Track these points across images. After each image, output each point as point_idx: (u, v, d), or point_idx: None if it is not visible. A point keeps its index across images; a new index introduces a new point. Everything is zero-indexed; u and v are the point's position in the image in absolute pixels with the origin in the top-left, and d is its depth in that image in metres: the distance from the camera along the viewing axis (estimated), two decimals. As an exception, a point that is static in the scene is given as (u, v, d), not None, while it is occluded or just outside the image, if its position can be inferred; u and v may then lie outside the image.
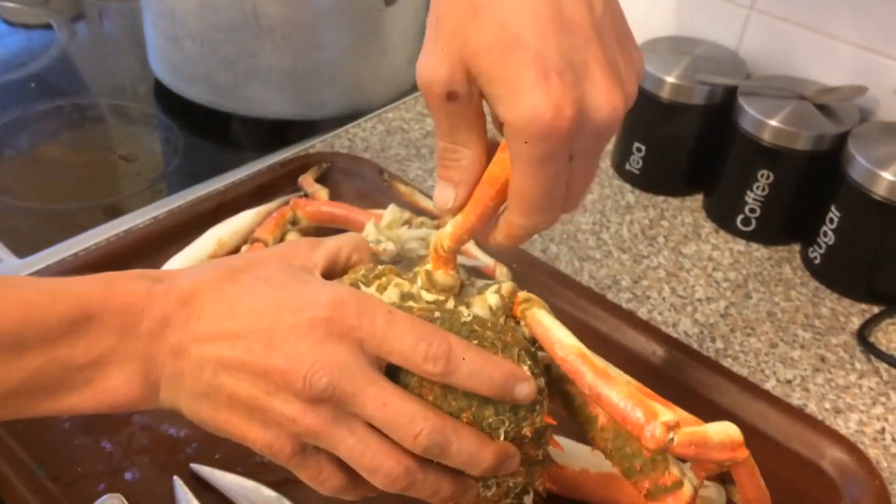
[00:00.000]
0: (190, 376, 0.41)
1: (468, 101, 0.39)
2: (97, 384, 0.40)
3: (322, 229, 0.72)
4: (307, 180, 0.78)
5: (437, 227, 0.67)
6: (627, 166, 0.86)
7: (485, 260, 0.67)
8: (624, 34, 0.40)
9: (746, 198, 0.79)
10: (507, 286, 0.47)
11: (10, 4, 1.12)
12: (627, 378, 0.45)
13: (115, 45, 1.12)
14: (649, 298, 0.73)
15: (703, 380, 0.63)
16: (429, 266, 0.45)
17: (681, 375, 0.64)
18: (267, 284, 0.42)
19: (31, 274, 0.68)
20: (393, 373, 0.41)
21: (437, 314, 0.43)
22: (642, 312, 0.72)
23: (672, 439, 0.41)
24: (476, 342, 0.42)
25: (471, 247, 0.66)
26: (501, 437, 0.41)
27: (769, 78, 0.81)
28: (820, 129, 0.74)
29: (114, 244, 0.72)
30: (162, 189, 0.83)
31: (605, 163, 0.90)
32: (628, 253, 0.78)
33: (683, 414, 0.44)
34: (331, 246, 0.46)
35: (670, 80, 0.80)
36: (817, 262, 0.77)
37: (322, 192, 0.75)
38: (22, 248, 0.73)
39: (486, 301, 0.46)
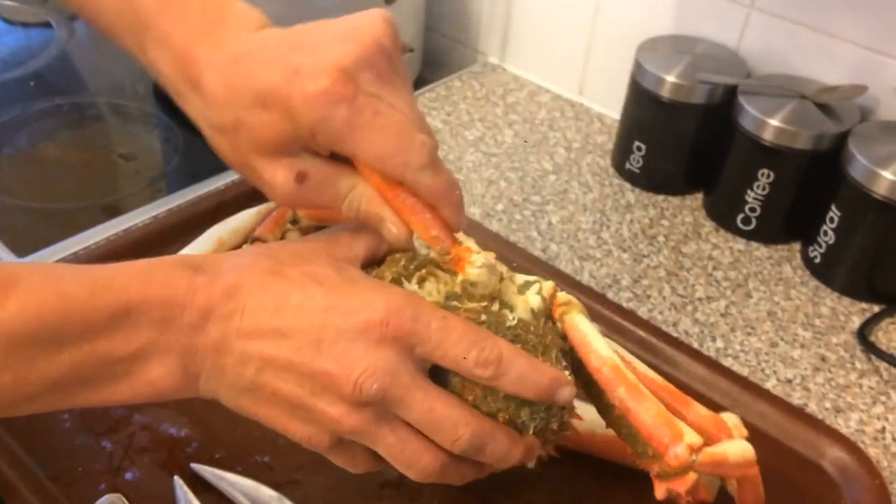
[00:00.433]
0: (232, 372, 0.41)
1: (320, 166, 0.44)
2: (136, 376, 0.40)
3: (322, 229, 0.72)
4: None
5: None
6: (627, 165, 0.86)
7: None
8: None
9: (747, 197, 0.79)
10: (547, 286, 0.48)
11: (9, 3, 1.12)
12: (660, 380, 0.47)
13: (115, 43, 1.12)
14: (649, 297, 0.73)
15: (704, 379, 0.63)
16: (460, 276, 0.46)
17: (681, 375, 0.64)
18: (315, 281, 0.41)
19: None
20: (436, 369, 0.42)
21: (483, 317, 0.44)
22: (642, 311, 0.72)
23: (694, 460, 0.44)
24: (520, 345, 0.43)
25: (472, 247, 0.66)
26: (531, 432, 0.44)
27: (769, 77, 0.81)
28: (820, 128, 0.74)
29: (113, 243, 0.72)
30: (161, 188, 0.83)
31: (605, 161, 0.90)
32: (628, 252, 0.78)
33: (702, 411, 0.47)
34: (372, 234, 0.46)
35: (670, 79, 0.80)
36: (818, 261, 0.77)
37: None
38: (21, 248, 0.73)
39: (528, 303, 0.47)
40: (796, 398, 0.65)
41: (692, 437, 0.44)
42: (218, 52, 0.43)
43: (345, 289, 0.41)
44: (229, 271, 0.41)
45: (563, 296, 0.49)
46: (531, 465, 0.48)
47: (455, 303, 0.45)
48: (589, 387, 0.48)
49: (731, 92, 0.79)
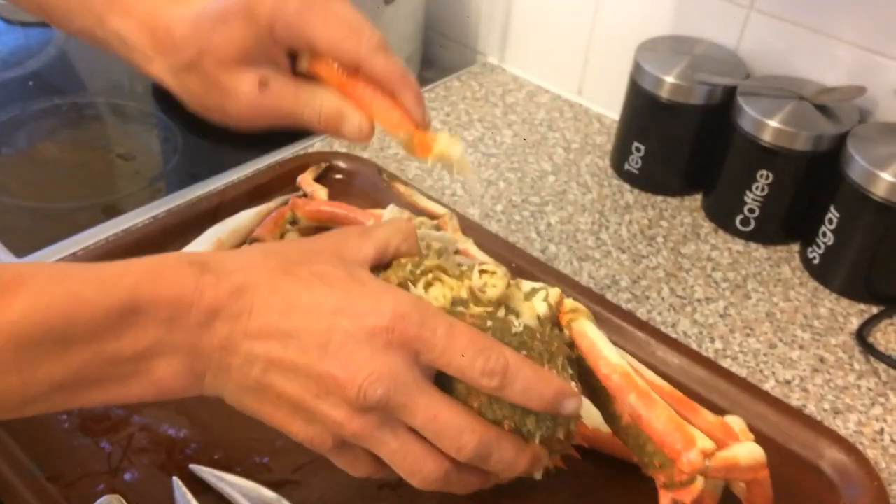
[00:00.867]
0: (237, 371, 0.41)
1: (275, 78, 0.48)
2: (143, 376, 0.40)
3: (321, 229, 0.72)
4: (306, 179, 0.78)
5: (437, 228, 0.67)
6: (626, 166, 0.86)
7: (482, 258, 0.67)
8: None
9: (745, 198, 0.79)
10: (553, 293, 0.48)
11: (8, 2, 1.12)
12: (667, 387, 0.48)
13: (114, 43, 1.12)
14: (648, 298, 0.73)
15: (702, 380, 0.63)
16: (474, 280, 0.46)
17: (680, 376, 0.64)
18: (324, 282, 0.41)
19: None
20: (441, 377, 0.42)
21: (489, 323, 0.44)
22: (641, 313, 0.72)
23: (707, 465, 0.44)
24: (525, 353, 0.43)
25: (471, 247, 0.66)
26: (536, 441, 0.43)
27: (768, 78, 0.81)
28: (819, 129, 0.74)
29: (112, 243, 0.72)
30: (161, 188, 0.83)
31: (604, 162, 0.90)
32: (627, 253, 0.78)
33: (710, 417, 0.47)
34: (381, 237, 0.46)
35: (669, 79, 0.80)
36: (816, 262, 0.77)
37: (321, 192, 0.75)
38: (20, 248, 0.72)
39: (535, 310, 0.47)
40: (795, 399, 0.65)
41: (705, 443, 0.44)
42: (185, 8, 0.48)
43: (353, 291, 0.41)
44: (237, 270, 0.41)
45: (570, 303, 0.48)
46: (538, 476, 0.48)
47: (461, 308, 0.45)
48: (597, 395, 0.48)
49: (730, 93, 0.79)
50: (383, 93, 0.48)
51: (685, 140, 0.83)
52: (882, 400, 0.66)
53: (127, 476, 0.54)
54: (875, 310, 0.74)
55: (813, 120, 0.75)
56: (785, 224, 0.80)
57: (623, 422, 0.47)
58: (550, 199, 0.84)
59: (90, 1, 0.50)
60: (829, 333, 0.72)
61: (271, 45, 0.48)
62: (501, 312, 0.46)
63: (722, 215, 0.82)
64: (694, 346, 0.68)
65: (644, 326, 0.67)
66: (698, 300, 0.74)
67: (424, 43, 1.08)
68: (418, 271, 0.45)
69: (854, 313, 0.74)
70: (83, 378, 0.39)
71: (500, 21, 1.03)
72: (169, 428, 0.57)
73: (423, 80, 1.05)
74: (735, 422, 0.51)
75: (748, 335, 0.71)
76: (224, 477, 0.53)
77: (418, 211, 0.72)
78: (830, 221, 0.74)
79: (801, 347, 0.70)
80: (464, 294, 0.45)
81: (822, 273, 0.77)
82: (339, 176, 0.81)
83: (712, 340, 0.70)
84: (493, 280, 0.45)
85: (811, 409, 0.65)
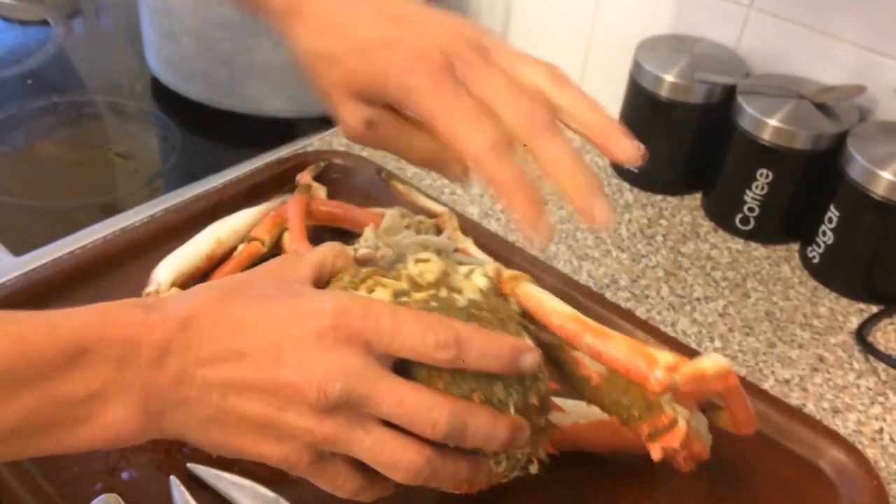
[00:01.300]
0: (197, 402, 0.40)
1: (384, 115, 0.49)
2: (96, 419, 0.39)
3: (319, 228, 0.72)
4: (305, 178, 0.77)
5: (437, 226, 0.67)
6: (626, 165, 0.86)
7: (482, 258, 0.67)
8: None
9: (745, 197, 0.79)
10: (490, 266, 0.49)
11: (7, 1, 1.12)
12: (619, 334, 0.48)
13: (112, 41, 1.12)
14: (648, 297, 0.73)
15: (702, 379, 0.63)
16: (410, 267, 0.47)
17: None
18: (265, 300, 0.42)
19: (28, 272, 0.68)
20: (400, 368, 0.42)
21: (433, 304, 0.44)
22: (641, 311, 0.71)
23: (675, 380, 0.44)
24: (475, 324, 0.43)
25: (470, 246, 0.66)
26: (512, 411, 0.43)
27: (768, 77, 0.81)
28: (819, 128, 0.74)
29: (110, 242, 0.71)
30: (159, 187, 0.82)
31: (604, 161, 0.90)
32: (627, 252, 0.78)
33: (665, 351, 0.47)
34: (315, 257, 0.46)
35: (669, 78, 0.80)
36: (816, 261, 0.77)
37: (320, 191, 0.75)
38: (18, 246, 0.72)
39: (476, 284, 0.47)
40: (794, 398, 0.65)
41: (667, 358, 0.45)
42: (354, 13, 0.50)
43: (294, 301, 0.41)
44: (182, 306, 0.41)
45: (508, 272, 0.49)
46: (533, 469, 0.48)
47: (404, 298, 0.45)
48: (562, 367, 0.49)
49: (729, 92, 0.79)
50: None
51: (685, 139, 0.83)
52: (881, 399, 0.66)
53: (124, 475, 0.54)
54: (875, 309, 0.74)
55: (813, 119, 0.75)
56: (784, 223, 0.80)
57: (593, 382, 0.48)
58: (550, 197, 0.83)
59: None
60: (829, 333, 0.72)
61: (393, 102, 0.49)
62: (444, 292, 0.46)
63: (721, 214, 0.82)
64: (693, 346, 0.68)
65: (643, 325, 0.67)
66: (697, 299, 0.74)
67: (424, 42, 1.07)
68: (357, 279, 0.46)
69: (853, 312, 0.74)
70: (34, 423, 0.38)
71: (500, 20, 1.03)
72: (167, 427, 0.57)
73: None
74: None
75: (747, 334, 0.71)
76: (222, 476, 0.53)
77: (417, 209, 0.72)
78: (830, 220, 0.74)
79: (800, 346, 0.70)
80: (404, 285, 0.46)
81: (821, 272, 0.77)
82: (338, 175, 0.81)
83: (712, 339, 0.70)
84: (429, 266, 0.46)
85: (810, 408, 0.65)
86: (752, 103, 0.76)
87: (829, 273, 0.76)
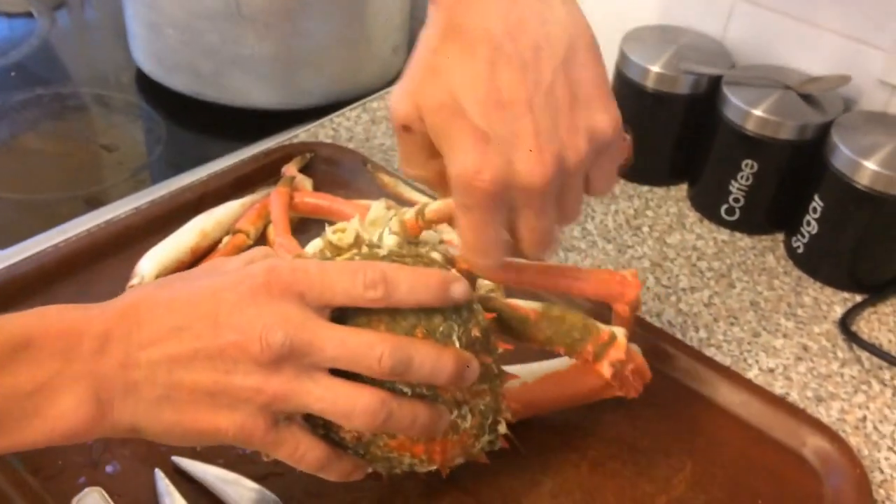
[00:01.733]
0: (145, 383, 0.41)
1: (421, 136, 0.44)
2: (46, 411, 0.40)
3: (305, 220, 0.72)
4: (291, 170, 0.77)
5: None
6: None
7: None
8: (581, 95, 0.44)
9: (731, 187, 0.79)
10: (397, 218, 0.51)
11: (-10, -8, 1.11)
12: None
13: (97, 33, 1.11)
14: (633, 288, 0.73)
15: (687, 369, 0.64)
16: (329, 235, 0.49)
17: (664, 365, 0.64)
18: (198, 281, 0.43)
19: (12, 265, 0.67)
20: (339, 321, 0.43)
21: (356, 258, 0.47)
22: (626, 302, 0.72)
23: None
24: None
25: (455, 238, 0.66)
26: (456, 345, 0.44)
27: (753, 67, 0.81)
28: (804, 118, 0.74)
29: (95, 235, 0.71)
30: (144, 179, 0.82)
31: (591, 152, 0.89)
32: (613, 243, 0.78)
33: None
34: (245, 254, 0.47)
35: (655, 69, 0.80)
36: (800, 251, 0.77)
37: (305, 183, 0.75)
38: (2, 239, 0.72)
39: (393, 238, 0.50)
40: (778, 387, 0.66)
41: (628, 272, 0.55)
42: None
43: (224, 275, 0.43)
44: (120, 299, 0.43)
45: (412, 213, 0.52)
46: (503, 429, 0.49)
47: (328, 257, 0.48)
48: (500, 313, 0.50)
49: (715, 82, 0.79)
50: None
51: (671, 130, 0.83)
52: (865, 388, 0.66)
53: (108, 468, 0.54)
54: (858, 298, 0.74)
55: (797, 109, 0.75)
56: (769, 213, 0.80)
57: (532, 319, 0.50)
58: (536, 189, 0.84)
59: None
60: (813, 322, 0.72)
61: None
62: (364, 249, 0.48)
63: (707, 205, 0.82)
64: (678, 335, 0.68)
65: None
66: (683, 289, 0.74)
67: (412, 33, 1.07)
68: None
69: (837, 302, 0.74)
70: None
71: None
72: (151, 420, 0.57)
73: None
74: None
75: (732, 324, 0.71)
76: (206, 469, 0.53)
77: (403, 201, 0.72)
78: (815, 211, 0.75)
79: (784, 336, 0.70)
80: (327, 252, 0.48)
81: (806, 262, 0.77)
82: (324, 166, 0.81)
83: (697, 329, 0.70)
84: (345, 233, 0.48)
85: (794, 396, 0.65)
86: (738, 94, 0.76)
87: (814, 263, 0.76)
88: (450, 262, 0.49)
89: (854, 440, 0.62)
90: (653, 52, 0.81)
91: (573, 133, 0.44)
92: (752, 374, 0.66)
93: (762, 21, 0.81)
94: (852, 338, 0.70)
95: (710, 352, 0.68)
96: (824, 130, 0.74)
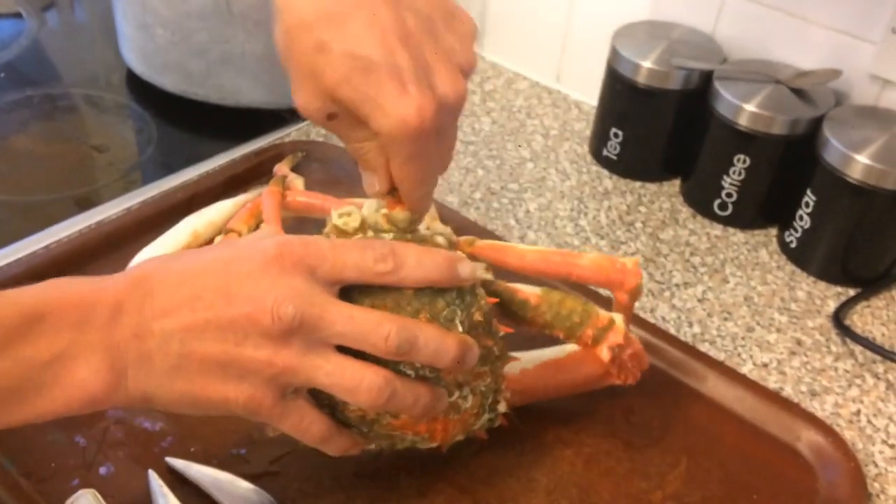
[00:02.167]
0: (158, 353, 0.41)
1: (347, 114, 0.44)
2: (65, 380, 0.40)
3: (298, 219, 0.71)
4: (283, 169, 0.77)
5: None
6: (605, 152, 0.86)
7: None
8: (445, 10, 0.46)
9: (723, 182, 0.79)
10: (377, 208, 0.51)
11: (-21, -7, 1.10)
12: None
13: (87, 33, 1.11)
14: (627, 284, 0.73)
15: (681, 364, 0.64)
16: (335, 220, 0.49)
17: (658, 360, 0.64)
18: (210, 252, 0.44)
19: (2, 267, 0.67)
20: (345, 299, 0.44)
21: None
22: (620, 298, 0.71)
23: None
24: None
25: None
26: (459, 329, 0.45)
27: (745, 62, 0.81)
28: (795, 113, 0.74)
29: (86, 236, 0.71)
30: (135, 179, 0.82)
31: (583, 148, 0.90)
32: (606, 239, 0.78)
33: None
34: (254, 234, 0.49)
35: (646, 65, 0.80)
36: (793, 245, 0.77)
37: (298, 182, 0.75)
38: (-8, 241, 0.71)
39: (391, 228, 0.50)
40: (772, 382, 0.66)
41: (630, 259, 0.56)
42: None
43: (237, 247, 0.44)
44: (131, 271, 0.44)
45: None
46: (503, 408, 0.50)
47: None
48: (499, 298, 0.51)
49: (706, 77, 0.79)
50: None
51: (663, 125, 0.83)
52: (858, 381, 0.67)
53: (102, 470, 0.53)
54: (852, 292, 0.75)
55: (789, 104, 0.75)
56: (762, 208, 0.80)
57: (533, 303, 0.51)
58: (529, 186, 0.84)
59: None
60: (807, 316, 0.72)
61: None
62: (370, 233, 0.48)
63: (700, 200, 0.82)
64: (672, 331, 0.68)
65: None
66: (676, 285, 0.74)
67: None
68: None
69: (831, 296, 0.74)
70: (6, 387, 0.39)
71: (478, 8, 1.02)
72: (144, 421, 0.56)
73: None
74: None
75: (726, 319, 0.71)
76: (201, 470, 0.53)
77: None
78: (807, 205, 0.75)
79: (778, 330, 0.70)
80: (332, 235, 0.48)
81: (799, 256, 0.77)
82: (316, 165, 0.80)
83: (690, 325, 0.70)
84: (351, 217, 0.49)
85: (788, 391, 0.65)
86: (729, 89, 0.76)
87: (807, 257, 0.76)
88: (452, 245, 0.50)
89: (848, 434, 0.62)
90: (644, 47, 0.81)
91: (461, 43, 0.46)
92: (746, 368, 0.66)
93: (753, 15, 0.81)
94: (846, 332, 0.70)
95: (703, 347, 0.68)
96: (816, 125, 0.74)
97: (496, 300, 0.50)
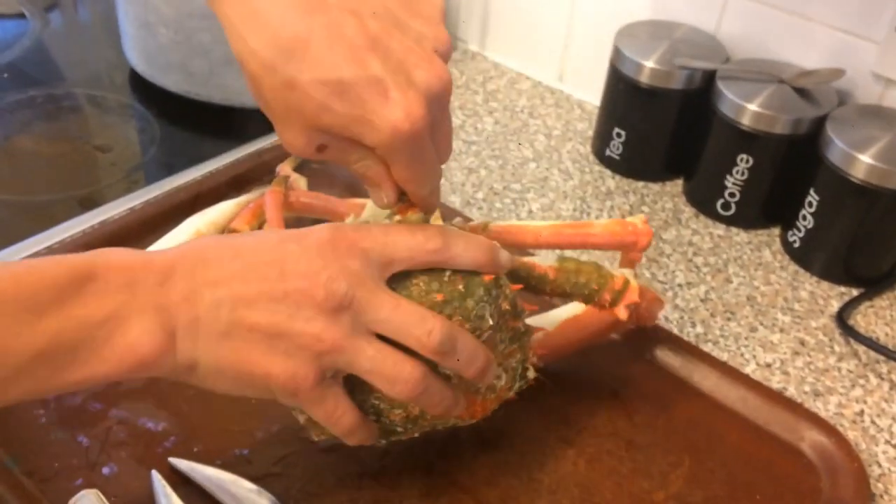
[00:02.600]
0: (206, 317, 0.42)
1: (337, 140, 0.43)
2: (117, 340, 0.40)
3: (301, 220, 0.71)
4: (285, 169, 0.77)
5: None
6: (607, 152, 0.86)
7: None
8: (414, 7, 0.44)
9: (726, 182, 0.79)
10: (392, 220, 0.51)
11: (-18, -7, 1.11)
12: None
13: (90, 33, 1.11)
14: (630, 284, 0.73)
15: (684, 365, 0.64)
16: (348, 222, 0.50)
17: (661, 361, 0.64)
18: (262, 233, 0.46)
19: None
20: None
21: None
22: (623, 298, 0.71)
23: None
24: None
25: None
26: (490, 322, 0.46)
27: (748, 61, 0.81)
28: (798, 112, 0.74)
29: (89, 236, 0.71)
30: (138, 179, 0.82)
31: (586, 148, 0.89)
32: (609, 239, 0.78)
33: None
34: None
35: (649, 64, 0.80)
36: (796, 245, 0.77)
37: (300, 182, 0.75)
38: (-5, 242, 0.72)
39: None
40: (775, 382, 0.66)
41: (636, 218, 0.58)
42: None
43: (287, 231, 0.45)
44: (181, 245, 0.44)
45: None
46: (531, 374, 0.52)
47: None
48: (517, 274, 0.52)
49: (709, 77, 0.79)
50: None
51: (666, 125, 0.83)
52: (862, 382, 0.66)
53: (105, 470, 0.54)
54: (855, 292, 0.74)
55: (792, 103, 0.75)
56: (765, 208, 0.80)
57: (551, 276, 0.53)
58: (532, 186, 0.84)
59: None
60: (810, 316, 0.72)
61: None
62: None
63: (703, 200, 0.82)
64: (675, 331, 0.68)
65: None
66: (679, 285, 0.74)
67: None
68: None
69: (834, 296, 0.74)
70: (60, 347, 0.39)
71: (480, 8, 1.02)
72: (147, 421, 0.56)
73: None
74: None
75: (729, 319, 0.71)
76: (204, 470, 0.53)
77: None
78: (810, 205, 0.75)
79: (781, 331, 0.70)
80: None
81: (802, 256, 0.77)
82: (318, 165, 0.80)
83: (693, 325, 0.70)
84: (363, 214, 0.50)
85: (792, 391, 0.65)
86: (732, 88, 0.76)
87: (810, 257, 0.76)
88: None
89: (852, 434, 0.62)
90: (647, 47, 0.81)
91: (430, 27, 0.44)
92: (749, 369, 0.66)
93: (756, 15, 0.81)
94: (849, 332, 0.70)
95: (707, 347, 0.68)
96: (819, 124, 0.74)
97: (520, 286, 0.51)
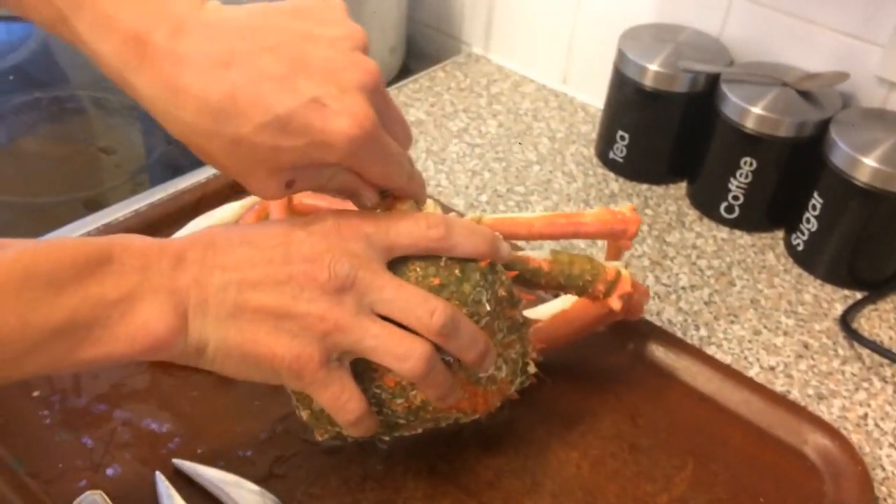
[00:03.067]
0: (214, 300, 0.43)
1: (301, 171, 0.44)
2: (131, 319, 0.41)
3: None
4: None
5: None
6: (611, 154, 0.86)
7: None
8: (307, 5, 0.45)
9: (730, 185, 0.79)
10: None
11: (-13, -4, 1.11)
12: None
13: (95, 36, 1.11)
14: (633, 287, 0.73)
15: (688, 367, 0.64)
16: None
17: (665, 363, 0.64)
18: (271, 223, 0.47)
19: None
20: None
21: None
22: (626, 301, 0.71)
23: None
24: None
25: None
26: (487, 308, 0.47)
27: (752, 65, 0.81)
28: (802, 115, 0.74)
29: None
30: (143, 181, 0.82)
31: (589, 151, 0.90)
32: (612, 241, 0.78)
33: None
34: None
35: (653, 67, 0.80)
36: (800, 248, 0.77)
37: (304, 184, 0.75)
38: None
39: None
40: (779, 385, 0.65)
41: (624, 206, 0.60)
42: (184, 42, 0.42)
43: (294, 220, 0.46)
44: (192, 233, 0.45)
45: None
46: (532, 369, 0.52)
47: None
48: (513, 268, 0.53)
49: (713, 80, 0.79)
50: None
51: (669, 128, 0.83)
52: (866, 385, 0.66)
53: (109, 471, 0.54)
54: (859, 295, 0.74)
55: (796, 106, 0.75)
56: (769, 211, 0.80)
57: (545, 269, 0.54)
58: (535, 188, 0.84)
59: None
60: (814, 319, 0.72)
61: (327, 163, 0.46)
62: None
63: (706, 203, 0.82)
64: (679, 334, 0.68)
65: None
66: (683, 288, 0.74)
67: (408, 33, 1.07)
68: None
69: (838, 299, 0.74)
70: (77, 323, 0.40)
71: (484, 11, 1.02)
72: (151, 422, 0.57)
73: (408, 71, 1.04)
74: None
75: (733, 322, 0.71)
76: (207, 471, 0.53)
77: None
78: (814, 208, 0.75)
79: (785, 334, 0.70)
80: None
81: (806, 259, 0.77)
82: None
83: (697, 328, 0.70)
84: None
85: (795, 394, 0.65)
86: (736, 91, 0.76)
87: (814, 260, 0.76)
88: None
89: (855, 437, 0.62)
90: (651, 50, 0.81)
91: (342, 30, 0.45)
92: (752, 372, 0.66)
93: (760, 18, 0.81)
94: (853, 335, 0.70)
95: (710, 350, 0.68)
96: (823, 127, 0.74)
97: (515, 273, 0.52)
